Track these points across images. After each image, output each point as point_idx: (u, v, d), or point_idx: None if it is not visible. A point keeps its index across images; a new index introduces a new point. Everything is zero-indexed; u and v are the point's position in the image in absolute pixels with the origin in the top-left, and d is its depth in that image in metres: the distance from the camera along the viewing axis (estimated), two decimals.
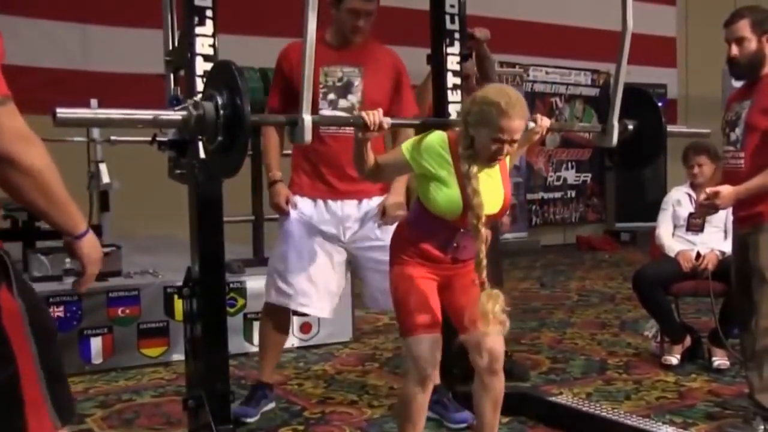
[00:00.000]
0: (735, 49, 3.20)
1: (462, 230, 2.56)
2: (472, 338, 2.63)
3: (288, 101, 3.22)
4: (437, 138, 2.53)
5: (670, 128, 3.15)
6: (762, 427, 3.19)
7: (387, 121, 2.51)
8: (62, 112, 2.04)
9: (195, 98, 2.40)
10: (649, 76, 10.20)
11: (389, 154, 2.74)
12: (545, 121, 2.77)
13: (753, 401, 3.24)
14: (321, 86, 3.24)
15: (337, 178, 3.31)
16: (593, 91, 10.35)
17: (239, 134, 2.28)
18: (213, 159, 2.48)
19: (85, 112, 2.28)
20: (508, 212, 4.16)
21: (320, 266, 3.34)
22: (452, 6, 3.39)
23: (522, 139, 2.58)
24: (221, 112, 2.29)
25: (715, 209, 3.27)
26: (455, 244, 2.58)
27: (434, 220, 2.56)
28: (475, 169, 2.46)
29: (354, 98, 3.28)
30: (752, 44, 3.18)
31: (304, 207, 3.35)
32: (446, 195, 2.50)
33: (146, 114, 2.38)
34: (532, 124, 2.74)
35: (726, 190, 3.13)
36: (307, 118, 2.42)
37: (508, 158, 2.65)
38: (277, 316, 3.44)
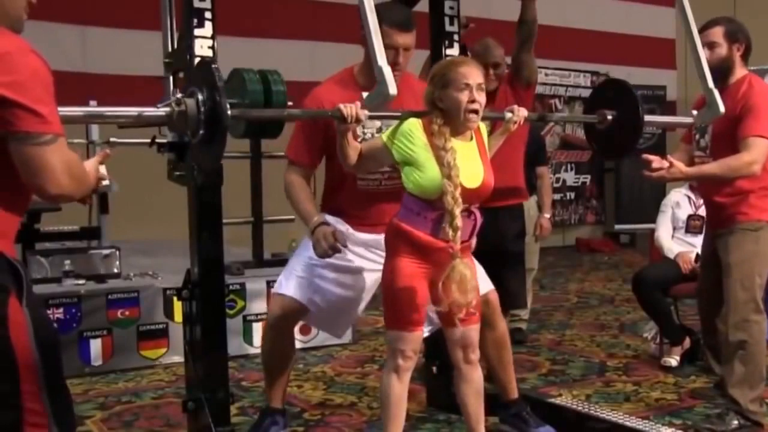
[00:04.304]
0: (706, 53, 3.30)
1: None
2: (455, 334, 2.73)
3: (320, 152, 3.04)
4: (412, 122, 2.68)
5: (648, 118, 3.19)
6: (735, 421, 3.28)
7: (364, 114, 2.60)
8: None
9: (177, 95, 2.46)
10: (649, 78, 10.21)
11: (371, 143, 2.81)
12: (522, 111, 2.90)
13: (722, 393, 3.37)
14: (359, 140, 2.91)
15: (373, 222, 3.05)
16: None
17: (219, 127, 2.36)
18: (196, 152, 2.59)
19: (74, 110, 2.35)
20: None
21: (354, 290, 3.07)
22: (451, 8, 3.39)
23: (501, 129, 2.87)
24: (202, 108, 2.39)
25: (659, 178, 3.29)
26: (444, 225, 2.59)
27: (421, 205, 2.62)
28: (450, 143, 2.60)
29: None
30: (723, 50, 3.35)
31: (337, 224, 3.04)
32: (426, 174, 2.59)
33: (131, 111, 2.49)
34: (509, 115, 2.87)
35: (679, 165, 3.23)
36: (387, 69, 2.44)
37: (485, 141, 2.79)
38: (285, 327, 3.10)
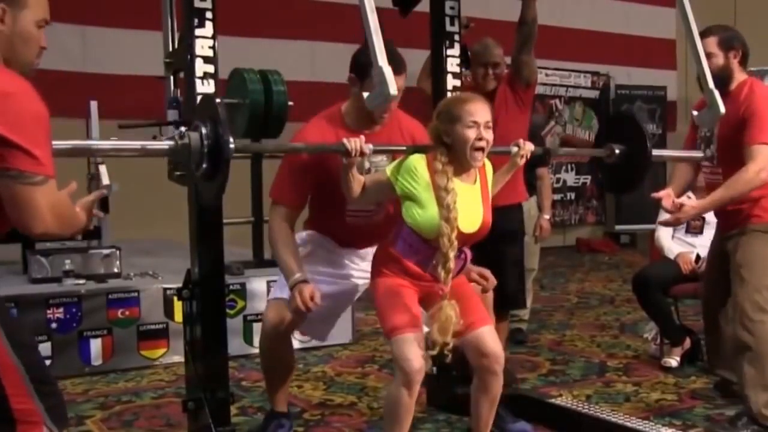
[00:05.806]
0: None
1: None
2: (470, 340, 2.70)
3: (306, 193, 2.97)
4: (416, 158, 2.66)
5: (656, 152, 3.21)
6: (745, 425, 3.26)
7: (368, 148, 2.59)
8: (56, 144, 2.05)
9: (181, 129, 2.50)
10: (649, 78, 10.22)
11: (375, 176, 2.80)
12: (529, 145, 2.90)
13: (722, 393, 3.47)
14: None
15: (360, 248, 3.08)
16: (593, 93, 10.35)
17: (221, 162, 2.38)
18: (199, 185, 2.61)
19: (78, 144, 2.43)
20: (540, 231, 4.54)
21: (339, 295, 3.08)
22: (452, 8, 3.39)
23: (508, 165, 2.86)
24: (205, 142, 2.40)
25: (676, 222, 3.37)
26: (434, 263, 2.62)
27: (415, 238, 2.64)
28: (452, 184, 2.58)
29: None
30: (719, 60, 3.33)
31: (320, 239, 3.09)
32: (425, 213, 2.59)
33: (134, 144, 2.53)
34: (515, 149, 2.88)
35: (689, 205, 3.24)
36: (387, 69, 2.41)
37: (490, 181, 2.78)
38: (283, 333, 3.05)
